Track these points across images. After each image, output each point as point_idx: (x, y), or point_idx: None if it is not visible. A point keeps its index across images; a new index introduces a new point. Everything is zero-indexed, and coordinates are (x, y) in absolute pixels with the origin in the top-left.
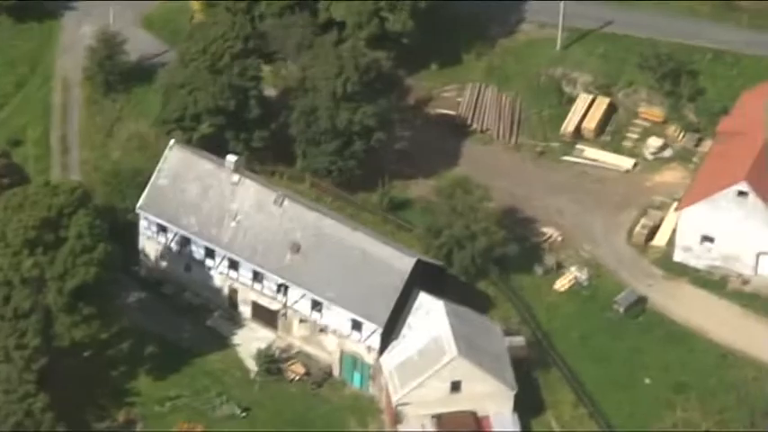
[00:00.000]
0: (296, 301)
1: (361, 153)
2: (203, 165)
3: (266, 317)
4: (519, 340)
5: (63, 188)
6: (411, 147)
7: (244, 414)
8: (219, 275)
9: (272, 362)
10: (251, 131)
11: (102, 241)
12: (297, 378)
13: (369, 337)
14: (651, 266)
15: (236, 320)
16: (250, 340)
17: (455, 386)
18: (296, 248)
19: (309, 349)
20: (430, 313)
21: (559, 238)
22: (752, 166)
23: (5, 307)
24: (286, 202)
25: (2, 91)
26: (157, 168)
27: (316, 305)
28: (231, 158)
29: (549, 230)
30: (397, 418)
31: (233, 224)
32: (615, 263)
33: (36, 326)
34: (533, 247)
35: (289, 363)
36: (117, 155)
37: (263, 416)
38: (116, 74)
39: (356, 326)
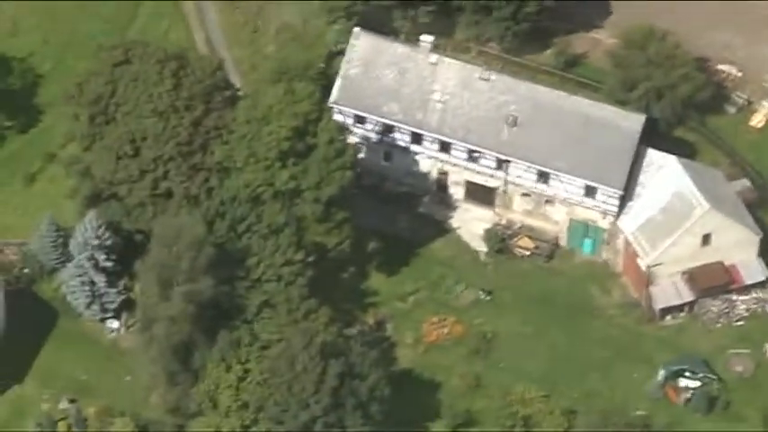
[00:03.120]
0: (518, 176)
1: (534, 15)
2: (395, 49)
3: (482, 195)
4: (745, 183)
5: (301, 94)
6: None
7: (489, 297)
8: (427, 160)
9: (500, 240)
10: (416, 6)
11: (350, 144)
12: (527, 254)
13: (604, 201)
14: None
15: (447, 203)
16: (468, 221)
17: (705, 239)
18: (513, 122)
19: (532, 222)
20: (663, 169)
21: (739, 74)
22: None
23: (259, 224)
24: (493, 76)
25: None
26: (345, 59)
27: (542, 177)
28: (427, 38)
29: (724, 67)
30: (648, 280)
31: (439, 105)
32: None
33: (292, 239)
34: (717, 86)
35: (516, 239)
36: (270, 49)
37: (506, 296)
38: None
39: (589, 192)
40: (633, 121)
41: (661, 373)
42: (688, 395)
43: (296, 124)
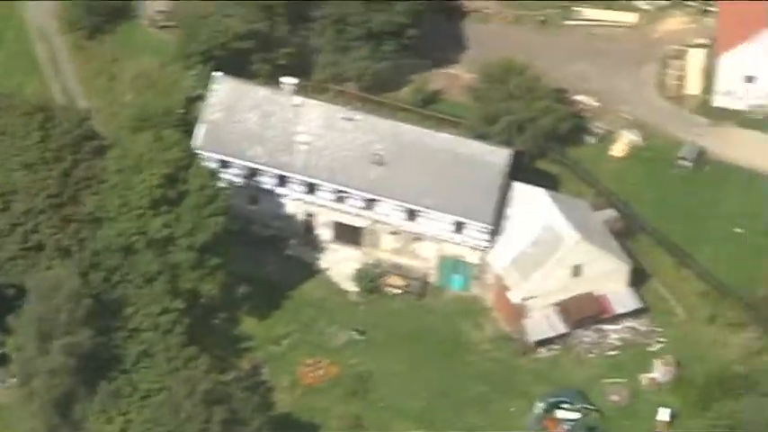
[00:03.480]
0: (386, 214)
1: (392, 53)
2: (257, 92)
3: (349, 236)
4: (611, 213)
5: (170, 141)
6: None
7: (362, 337)
8: (293, 202)
9: (371, 280)
10: (275, 50)
11: (221, 189)
12: (398, 292)
13: (474, 236)
14: (693, 116)
15: (315, 245)
16: (337, 262)
17: (576, 271)
18: (379, 161)
19: (401, 260)
20: (531, 202)
21: (596, 104)
22: None
23: (133, 274)
24: (357, 116)
25: None
26: (207, 104)
27: (410, 214)
28: (289, 80)
29: (582, 98)
30: (521, 313)
31: (304, 147)
32: (658, 118)
33: (166, 287)
34: (576, 117)
35: (385, 278)
36: (128, 98)
37: (379, 336)
38: (101, 15)
39: (458, 228)
40: (500, 156)
41: (539, 406)
42: (567, 427)
43: (167, 171)
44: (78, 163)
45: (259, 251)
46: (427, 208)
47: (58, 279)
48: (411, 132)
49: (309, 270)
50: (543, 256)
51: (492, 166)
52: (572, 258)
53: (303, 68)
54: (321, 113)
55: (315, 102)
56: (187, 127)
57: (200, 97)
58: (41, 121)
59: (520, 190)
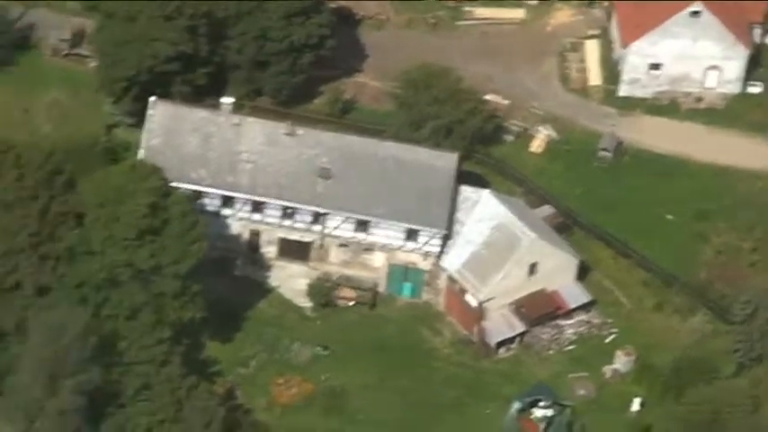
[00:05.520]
0: (336, 227)
1: (308, 66)
2: (196, 114)
3: (296, 251)
4: (548, 209)
5: (145, 170)
6: None
7: (326, 352)
8: (238, 222)
9: (325, 294)
10: (195, 69)
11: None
12: (350, 304)
13: (426, 243)
14: (602, 107)
15: (262, 263)
16: (285, 278)
17: (532, 269)
18: (326, 174)
19: (349, 272)
20: (478, 205)
21: (506, 102)
22: None
23: (120, 307)
24: (300, 131)
25: None
26: (145, 129)
27: (361, 225)
28: (227, 100)
29: (492, 97)
30: (479, 316)
31: (249, 166)
32: (568, 112)
33: (152, 318)
34: (490, 116)
35: (337, 291)
36: (47, 128)
37: (343, 349)
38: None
39: (411, 235)
40: (448, 160)
41: (515, 406)
42: (544, 425)
43: (151, 201)
44: (53, 199)
45: (206, 274)
46: (379, 218)
47: (63, 319)
48: (356, 143)
49: (260, 289)
50: (500, 257)
51: (441, 171)
52: (529, 257)
53: (218, 87)
54: (262, 131)
55: (254, 119)
56: (111, 155)
57: (117, 125)
58: (14, 158)
59: (465, 192)
